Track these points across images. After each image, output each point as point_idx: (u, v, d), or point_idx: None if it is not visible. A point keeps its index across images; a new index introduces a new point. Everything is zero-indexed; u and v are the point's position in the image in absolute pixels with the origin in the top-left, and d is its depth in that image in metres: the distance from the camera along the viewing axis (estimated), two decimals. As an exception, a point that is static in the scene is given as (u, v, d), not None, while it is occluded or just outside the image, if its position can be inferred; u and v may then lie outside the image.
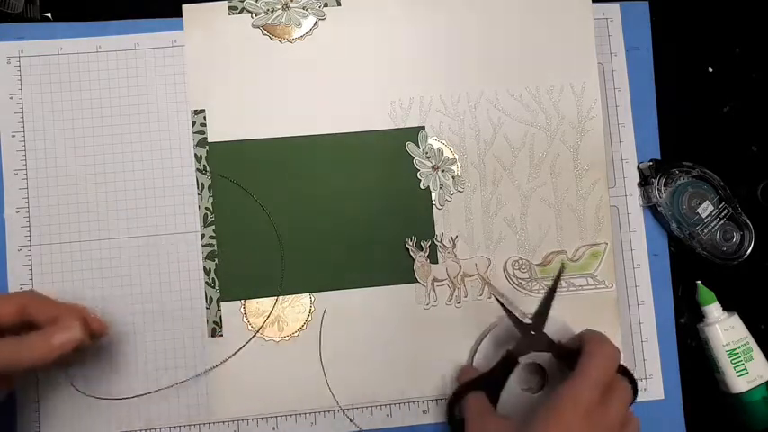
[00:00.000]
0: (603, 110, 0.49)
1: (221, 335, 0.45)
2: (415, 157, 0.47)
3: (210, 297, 0.46)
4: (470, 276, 0.46)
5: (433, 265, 0.46)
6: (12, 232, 0.46)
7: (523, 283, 0.46)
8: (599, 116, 0.48)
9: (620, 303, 0.47)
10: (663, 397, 0.48)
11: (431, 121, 0.47)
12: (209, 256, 0.46)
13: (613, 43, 0.50)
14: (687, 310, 0.49)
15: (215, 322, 0.45)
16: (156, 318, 0.46)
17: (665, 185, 0.47)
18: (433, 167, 0.47)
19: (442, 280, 0.46)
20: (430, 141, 0.47)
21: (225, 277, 0.46)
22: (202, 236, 0.46)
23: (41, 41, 0.47)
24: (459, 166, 0.47)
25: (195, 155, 0.46)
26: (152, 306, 0.46)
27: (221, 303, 0.46)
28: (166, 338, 0.46)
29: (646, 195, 0.48)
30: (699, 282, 0.48)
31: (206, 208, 0.46)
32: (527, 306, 0.45)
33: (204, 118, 0.46)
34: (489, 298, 0.46)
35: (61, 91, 0.47)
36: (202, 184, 0.46)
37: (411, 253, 0.46)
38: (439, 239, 0.46)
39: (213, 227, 0.46)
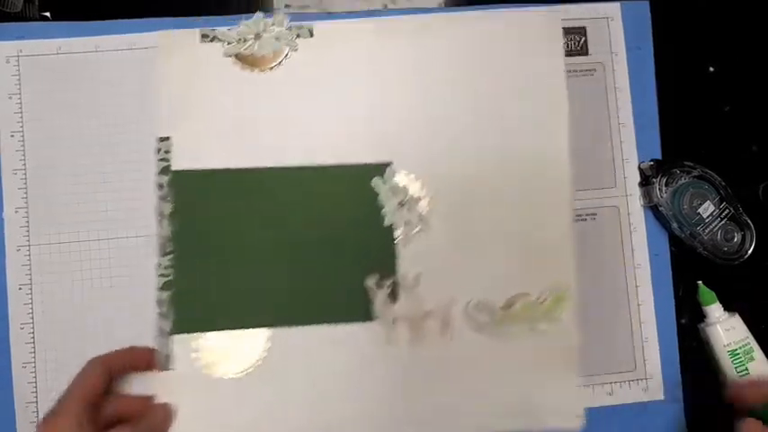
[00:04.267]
0: (604, 110, 0.49)
1: (171, 369, 0.44)
2: (381, 193, 0.46)
3: (162, 329, 0.44)
4: (432, 316, 0.45)
5: (393, 304, 0.45)
6: (11, 232, 0.46)
7: (485, 325, 0.45)
8: (566, 160, 0.46)
9: (580, 349, 0.46)
10: (663, 397, 0.48)
11: (399, 157, 0.46)
12: (163, 287, 0.44)
13: (614, 43, 0.49)
14: (688, 310, 0.49)
15: (165, 356, 0.44)
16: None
17: (666, 185, 0.47)
18: (398, 204, 0.46)
19: (403, 319, 0.45)
20: (397, 178, 0.46)
21: (179, 309, 0.44)
22: (159, 265, 0.44)
23: (40, 41, 0.47)
24: (425, 203, 0.46)
25: (157, 182, 0.45)
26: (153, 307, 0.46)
27: (173, 336, 0.44)
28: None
29: (647, 195, 0.48)
30: (700, 282, 0.48)
31: (164, 237, 0.45)
32: (489, 348, 0.44)
33: (169, 145, 0.45)
34: (450, 339, 0.45)
35: (60, 91, 0.47)
36: (162, 212, 0.45)
37: (372, 291, 0.45)
38: (401, 277, 0.45)
39: (171, 256, 0.44)
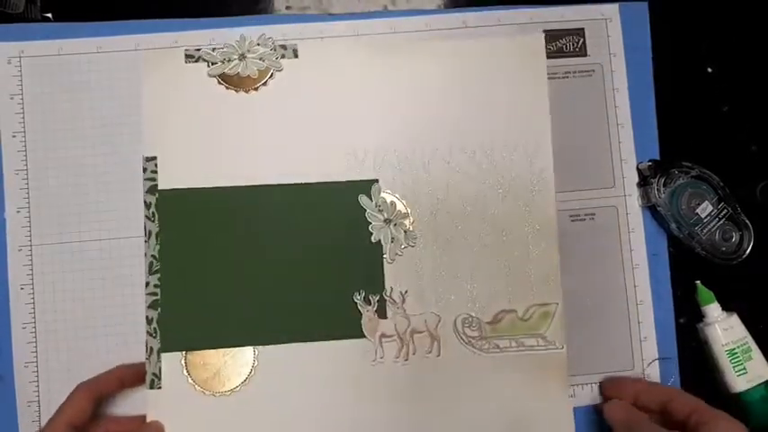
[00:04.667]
0: (602, 110, 0.49)
1: (160, 387, 0.44)
2: (368, 210, 0.46)
3: (151, 347, 0.44)
4: (419, 333, 0.45)
5: (381, 321, 0.45)
6: (12, 232, 0.46)
7: (473, 341, 0.46)
8: (551, 177, 0.47)
9: (570, 364, 0.46)
10: (662, 397, 0.48)
11: (384, 175, 0.46)
12: (152, 305, 0.44)
13: (612, 43, 0.50)
14: (686, 310, 0.49)
15: (154, 374, 0.44)
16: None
17: (664, 185, 0.47)
18: (385, 221, 0.46)
19: (391, 336, 0.45)
20: (383, 195, 0.46)
21: (167, 327, 0.44)
22: (147, 284, 0.45)
23: (42, 42, 0.47)
24: (412, 220, 0.46)
25: (145, 201, 0.45)
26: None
27: (162, 354, 0.44)
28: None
29: (645, 195, 0.48)
30: (698, 282, 0.48)
31: (152, 255, 0.45)
32: (478, 364, 0.45)
33: (155, 165, 0.45)
34: (438, 355, 0.45)
35: (62, 91, 0.47)
36: (150, 231, 0.45)
37: (359, 307, 0.45)
38: (388, 294, 0.45)
39: (158, 275, 0.45)
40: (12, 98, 0.47)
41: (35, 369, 0.45)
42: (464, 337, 0.46)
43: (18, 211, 0.46)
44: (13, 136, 0.46)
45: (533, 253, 0.46)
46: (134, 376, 0.44)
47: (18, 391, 0.45)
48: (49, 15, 0.48)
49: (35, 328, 0.45)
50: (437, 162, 0.47)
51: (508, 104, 0.47)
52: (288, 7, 0.50)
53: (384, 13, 0.50)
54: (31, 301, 0.45)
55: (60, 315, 0.46)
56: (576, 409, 0.47)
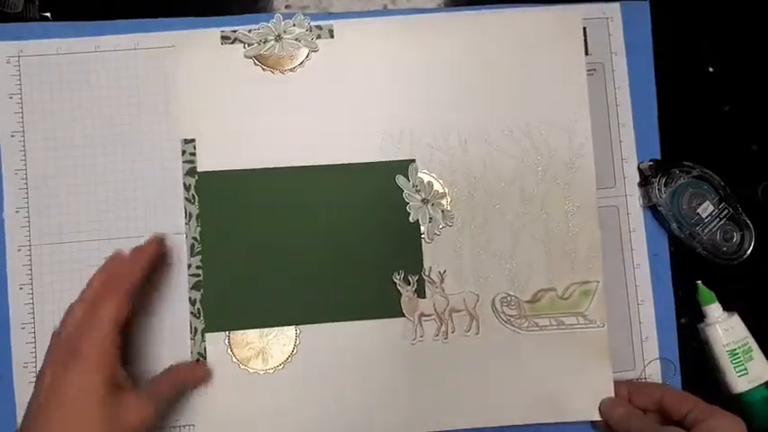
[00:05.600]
0: (603, 109, 0.49)
1: (205, 366, 0.44)
2: (405, 191, 0.46)
3: (195, 328, 0.45)
4: (458, 312, 0.46)
5: (420, 300, 0.45)
6: (11, 232, 0.46)
7: (512, 320, 0.46)
8: (590, 153, 0.47)
9: (613, 341, 0.46)
10: (663, 397, 0.48)
11: (421, 155, 0.46)
12: (195, 286, 0.45)
13: (613, 43, 0.49)
14: (687, 310, 0.49)
15: (199, 353, 0.45)
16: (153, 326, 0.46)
17: (665, 185, 0.47)
18: (422, 201, 0.46)
19: (430, 315, 0.45)
20: (420, 175, 0.46)
21: (210, 308, 0.45)
22: (189, 265, 0.45)
23: (41, 41, 0.47)
24: (449, 200, 0.46)
25: (184, 184, 0.45)
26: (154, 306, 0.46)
27: (206, 334, 0.45)
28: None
29: (646, 195, 0.48)
30: (699, 282, 0.48)
31: (193, 237, 0.45)
32: (517, 343, 0.45)
33: (194, 147, 0.46)
34: (477, 334, 0.46)
35: (61, 91, 0.47)
36: (190, 213, 0.45)
37: (398, 287, 0.45)
38: (427, 274, 0.46)
39: (200, 257, 0.45)
40: (11, 98, 0.46)
41: (34, 369, 0.45)
42: (503, 316, 0.46)
43: (17, 211, 0.46)
44: (12, 136, 0.46)
45: (573, 231, 0.46)
46: (153, 260, 0.43)
47: (17, 391, 0.45)
48: (48, 15, 0.48)
49: (34, 328, 0.45)
50: (474, 141, 0.47)
51: (546, 79, 0.47)
52: (287, 6, 0.50)
53: (384, 12, 0.49)
54: (31, 301, 0.45)
55: (60, 315, 0.45)
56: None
